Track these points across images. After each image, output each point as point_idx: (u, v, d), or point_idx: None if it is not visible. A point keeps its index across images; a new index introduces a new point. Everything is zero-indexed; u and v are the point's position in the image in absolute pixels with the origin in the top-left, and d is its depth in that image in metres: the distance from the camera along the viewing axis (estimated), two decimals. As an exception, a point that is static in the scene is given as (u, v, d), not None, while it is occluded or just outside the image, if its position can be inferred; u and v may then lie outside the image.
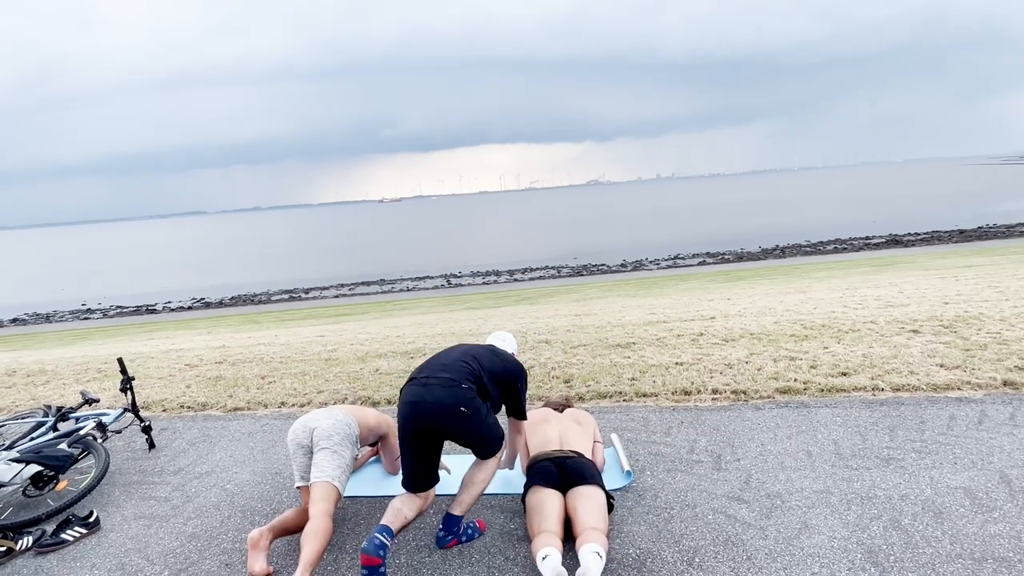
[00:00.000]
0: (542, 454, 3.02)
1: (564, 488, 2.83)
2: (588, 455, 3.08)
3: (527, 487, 2.88)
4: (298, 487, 2.92)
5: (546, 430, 3.20)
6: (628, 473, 3.31)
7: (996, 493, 2.87)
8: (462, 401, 2.67)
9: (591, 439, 3.23)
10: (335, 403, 5.00)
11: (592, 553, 2.37)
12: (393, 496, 3.29)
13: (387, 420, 3.45)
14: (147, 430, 4.30)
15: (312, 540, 2.57)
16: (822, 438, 3.59)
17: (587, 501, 2.71)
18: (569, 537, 2.69)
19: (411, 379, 2.83)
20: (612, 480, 3.27)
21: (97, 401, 4.49)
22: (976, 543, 2.52)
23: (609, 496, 2.86)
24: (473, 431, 2.73)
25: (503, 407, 3.03)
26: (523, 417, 3.11)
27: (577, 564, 2.41)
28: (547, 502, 2.74)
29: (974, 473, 3.06)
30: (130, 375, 4.32)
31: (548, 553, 2.40)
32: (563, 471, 2.87)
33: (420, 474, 2.76)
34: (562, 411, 3.47)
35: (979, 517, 2.70)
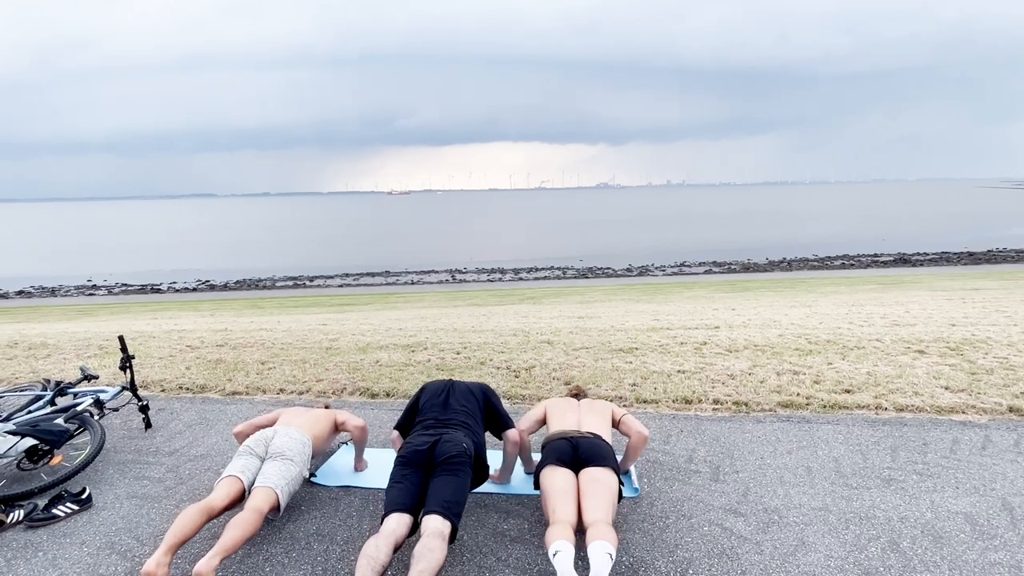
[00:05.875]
0: (558, 432, 3.05)
1: (577, 467, 2.84)
2: (606, 438, 3.07)
3: (541, 465, 2.90)
4: (224, 477, 2.88)
5: (566, 415, 3.25)
6: (636, 489, 3.27)
7: (998, 520, 2.83)
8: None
9: (608, 423, 3.24)
10: (333, 393, 4.99)
11: (604, 554, 2.34)
12: (378, 488, 3.28)
13: (337, 412, 3.58)
14: (144, 409, 4.28)
15: (236, 529, 2.58)
16: (823, 455, 3.55)
17: (597, 486, 2.70)
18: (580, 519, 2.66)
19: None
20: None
21: (96, 378, 4.48)
22: (975, 570, 2.48)
23: (621, 481, 2.85)
24: None
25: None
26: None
27: (586, 558, 2.39)
28: (560, 483, 2.74)
29: (976, 499, 3.02)
30: (130, 353, 4.31)
31: (560, 548, 2.37)
32: (577, 451, 2.89)
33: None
34: (579, 400, 3.51)
35: (979, 544, 2.66)
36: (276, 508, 2.86)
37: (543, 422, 3.38)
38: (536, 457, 3.38)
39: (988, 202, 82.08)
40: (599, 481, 2.73)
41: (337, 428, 3.56)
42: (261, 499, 2.79)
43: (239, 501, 2.85)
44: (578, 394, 3.67)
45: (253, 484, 2.90)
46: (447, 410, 3.12)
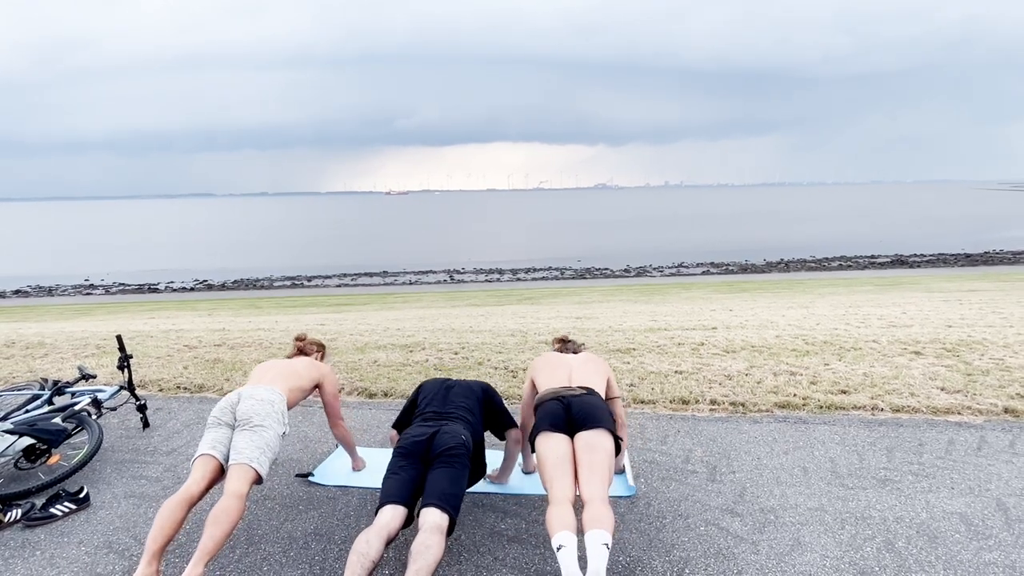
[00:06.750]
0: (549, 392, 2.91)
1: (571, 430, 2.72)
2: (599, 391, 2.95)
3: (535, 430, 2.79)
4: (197, 456, 2.74)
5: (555, 368, 3.10)
6: (631, 488, 3.27)
7: (992, 521, 2.84)
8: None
9: (603, 377, 3.10)
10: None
11: (601, 546, 2.26)
12: (376, 488, 3.26)
13: (321, 369, 3.40)
14: (142, 409, 4.29)
15: (216, 526, 2.44)
16: (819, 455, 3.57)
17: (593, 455, 2.60)
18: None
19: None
20: (615, 488, 3.23)
21: (94, 377, 4.48)
22: (970, 570, 2.49)
23: (617, 439, 2.74)
24: None
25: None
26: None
27: (582, 545, 2.34)
28: (555, 452, 2.64)
29: (971, 499, 3.04)
30: (128, 353, 4.31)
31: (564, 543, 2.28)
32: (569, 411, 2.76)
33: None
34: (568, 352, 3.37)
35: (974, 544, 2.67)
36: (258, 480, 2.74)
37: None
38: (536, 459, 3.35)
39: (986, 204, 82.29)
40: (595, 448, 2.62)
41: (305, 388, 3.29)
42: (239, 480, 2.64)
43: (219, 478, 2.74)
44: (565, 340, 3.48)
45: (228, 457, 2.76)
46: (447, 404, 3.07)
